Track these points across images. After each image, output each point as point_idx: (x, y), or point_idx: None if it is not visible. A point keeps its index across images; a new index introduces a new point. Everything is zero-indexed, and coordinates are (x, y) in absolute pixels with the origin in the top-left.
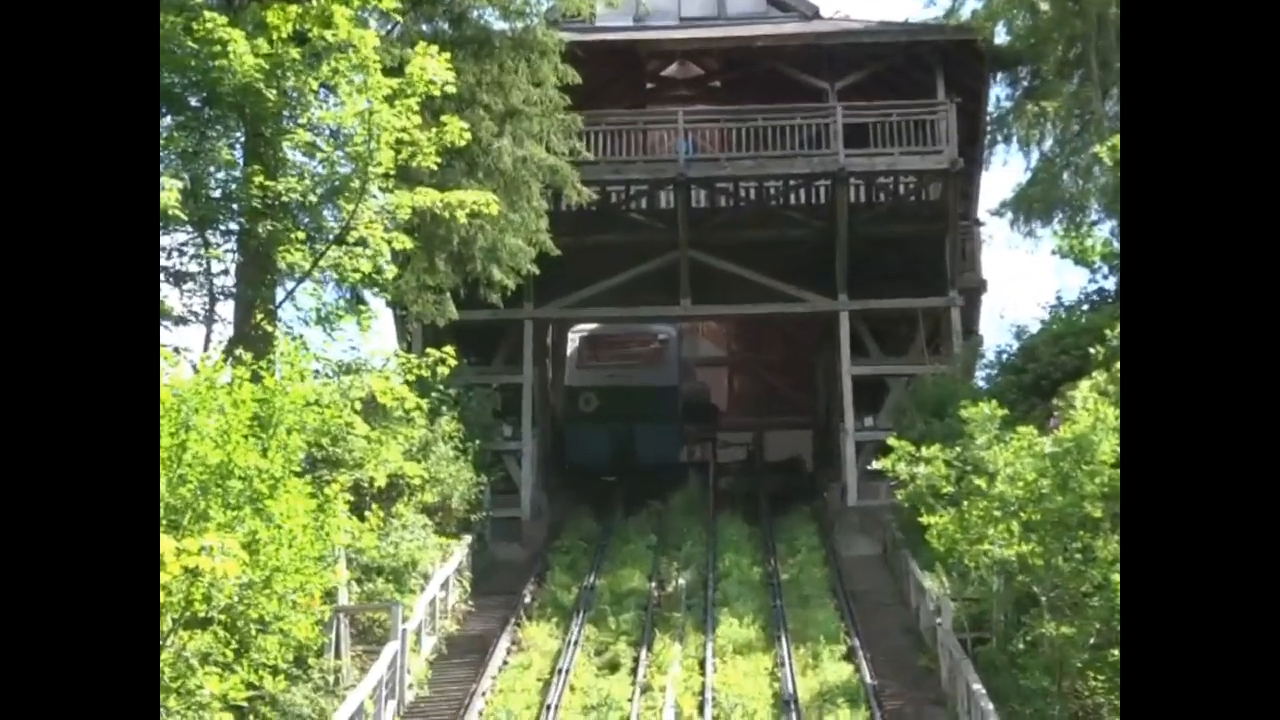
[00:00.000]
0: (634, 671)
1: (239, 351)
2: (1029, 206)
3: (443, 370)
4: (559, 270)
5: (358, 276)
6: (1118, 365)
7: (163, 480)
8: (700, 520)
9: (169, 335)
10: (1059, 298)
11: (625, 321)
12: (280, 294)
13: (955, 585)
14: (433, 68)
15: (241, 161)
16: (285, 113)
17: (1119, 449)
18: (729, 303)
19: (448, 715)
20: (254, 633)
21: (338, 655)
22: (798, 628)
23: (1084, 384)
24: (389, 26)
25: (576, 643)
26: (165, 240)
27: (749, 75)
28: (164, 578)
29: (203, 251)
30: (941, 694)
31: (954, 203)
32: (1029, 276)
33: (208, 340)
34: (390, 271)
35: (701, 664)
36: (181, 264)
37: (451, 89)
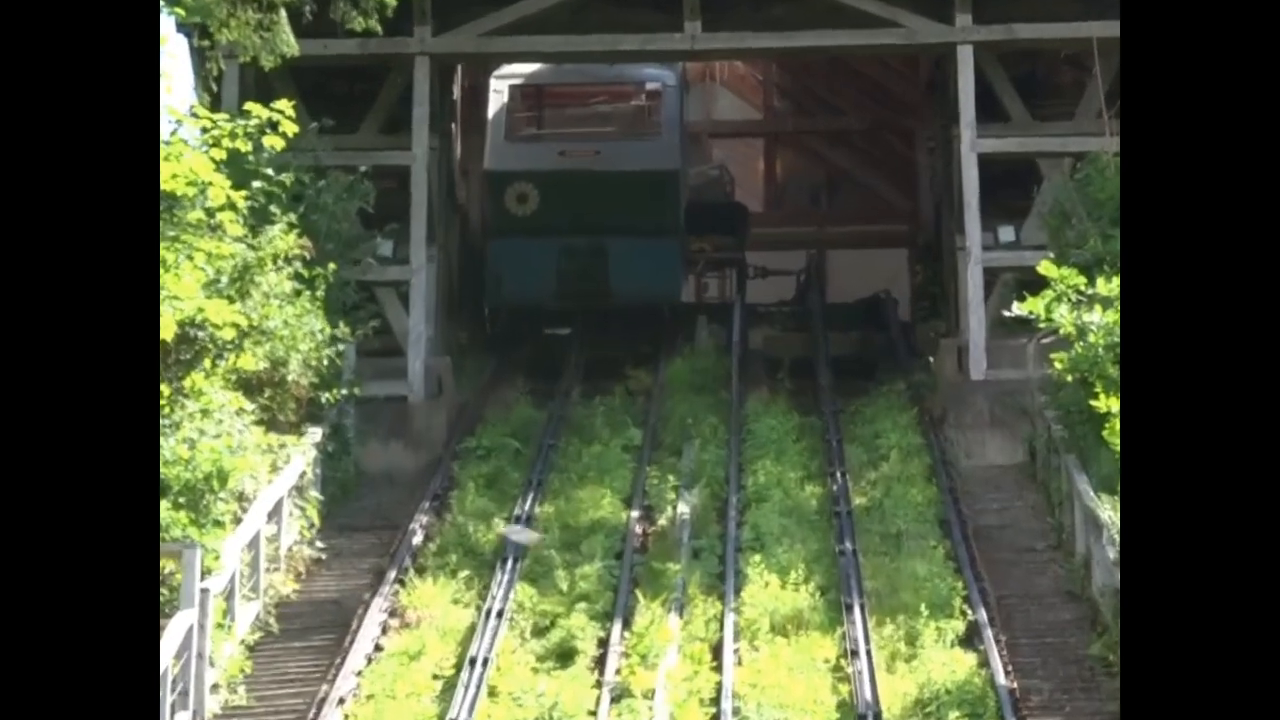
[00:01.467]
0: (599, 664)
1: None
2: None
3: (274, 143)
4: None
5: None
6: None
7: None
8: (716, 404)
9: None
10: None
11: (588, 61)
12: None
13: None
14: None
15: None
16: None
17: None
18: (767, 29)
19: None
20: None
21: None
22: (881, 589)
23: None
24: None
25: (501, 614)
26: None
27: None
28: None
29: None
30: None
31: None
32: None
33: None
34: None
35: (716, 652)
36: None
37: None
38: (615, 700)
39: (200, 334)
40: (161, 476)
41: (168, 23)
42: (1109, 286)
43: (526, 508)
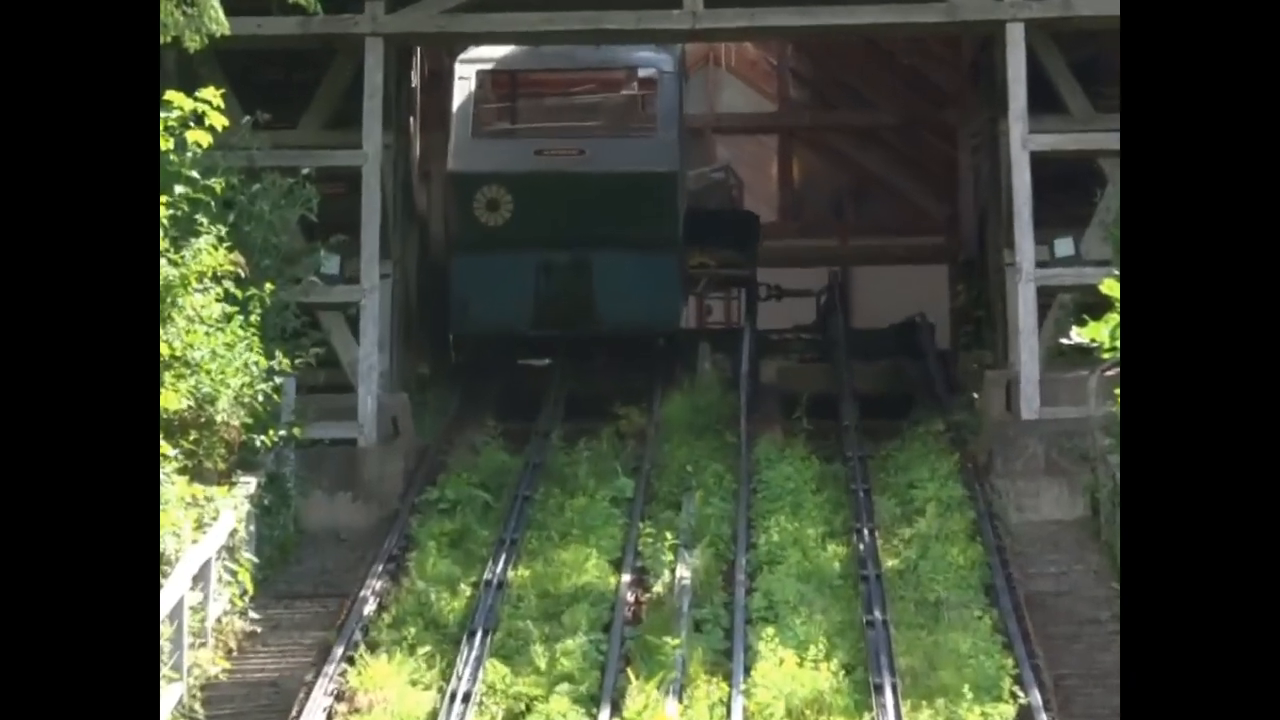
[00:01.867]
0: None
1: None
2: None
3: (200, 139)
4: None
5: None
6: None
7: None
8: (721, 448)
9: None
10: None
11: (570, 42)
12: None
13: None
14: None
15: None
16: None
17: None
18: (782, 4)
19: None
20: None
21: None
22: (917, 668)
23: None
24: None
25: (469, 698)
26: None
27: None
28: None
29: None
30: None
31: None
32: None
33: None
34: None
35: None
36: None
37: None
38: None
39: None
40: None
41: None
42: None
43: (498, 571)
